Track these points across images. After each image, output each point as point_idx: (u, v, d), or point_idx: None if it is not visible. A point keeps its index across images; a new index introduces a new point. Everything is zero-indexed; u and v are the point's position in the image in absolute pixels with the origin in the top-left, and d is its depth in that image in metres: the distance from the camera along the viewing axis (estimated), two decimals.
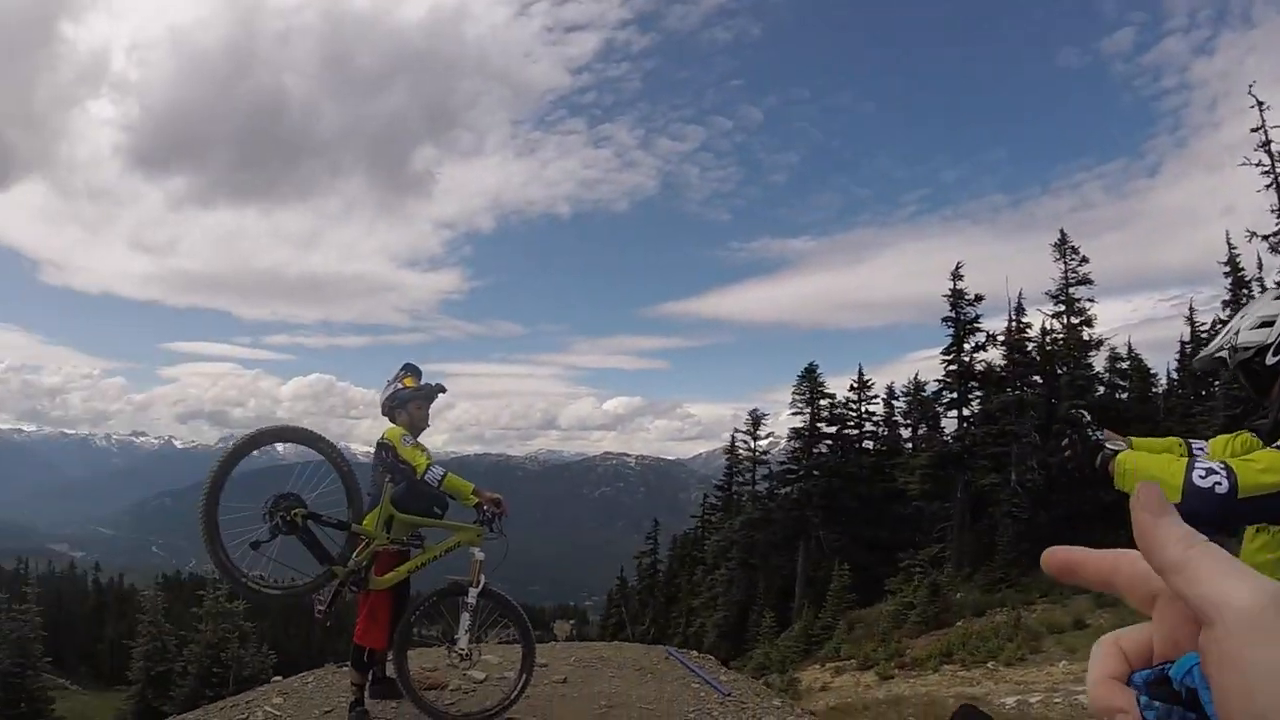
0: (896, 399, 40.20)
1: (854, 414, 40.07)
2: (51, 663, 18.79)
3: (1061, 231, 32.34)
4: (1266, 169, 25.69)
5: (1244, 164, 25.98)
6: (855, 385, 40.36)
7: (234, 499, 5.07)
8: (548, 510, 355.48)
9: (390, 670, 5.96)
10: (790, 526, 37.24)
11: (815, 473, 38.27)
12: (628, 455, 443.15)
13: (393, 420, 5.91)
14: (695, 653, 9.34)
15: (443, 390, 6.22)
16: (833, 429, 39.97)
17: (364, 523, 5.42)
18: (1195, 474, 2.20)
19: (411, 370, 6.18)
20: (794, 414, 39.82)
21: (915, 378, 37.70)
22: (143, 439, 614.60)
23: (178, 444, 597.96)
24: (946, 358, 33.25)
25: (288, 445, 5.70)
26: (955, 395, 33.33)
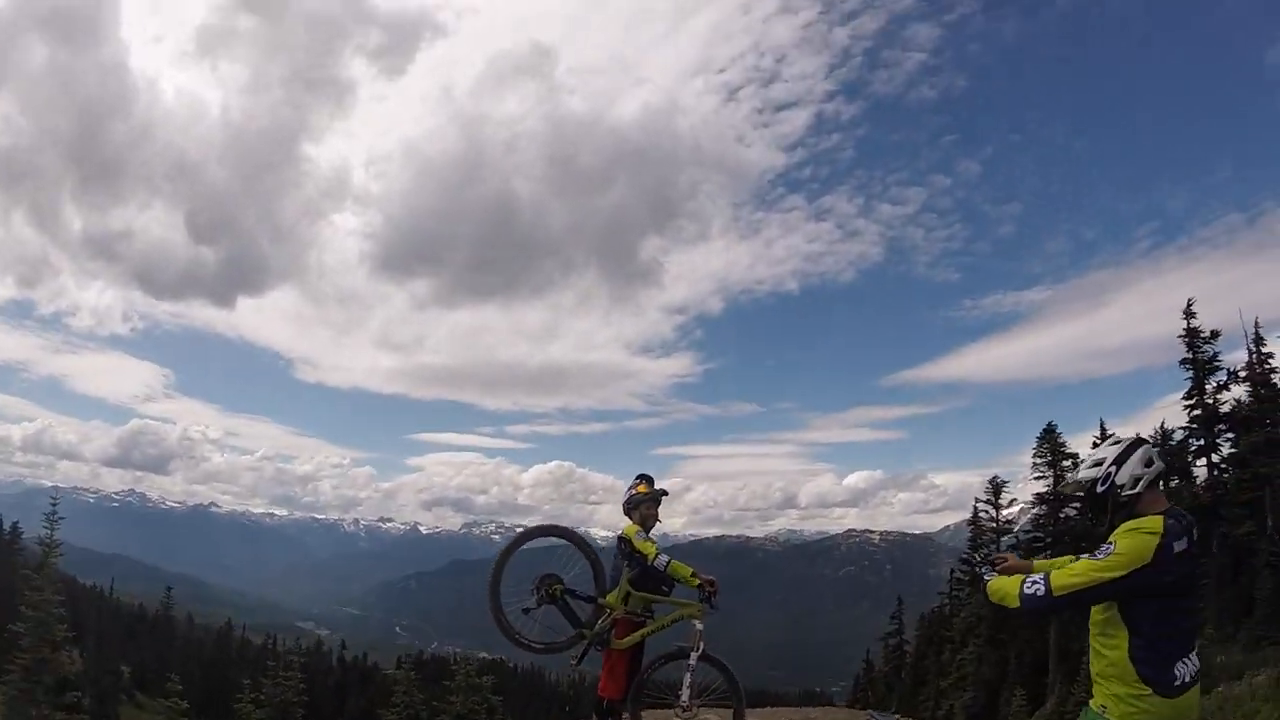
0: None
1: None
2: None
3: None
4: None
5: None
6: (1097, 441, 38.02)
7: (509, 578, 7.13)
8: (789, 592, 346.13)
9: None
10: None
11: (1065, 539, 36.27)
12: (871, 531, 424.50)
13: (629, 518, 7.58)
14: (899, 715, 10.13)
15: (665, 494, 7.81)
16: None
17: (608, 598, 7.28)
18: (1024, 586, 3.62)
19: (645, 479, 7.87)
20: (1036, 478, 38.10)
21: (1161, 426, 35.11)
22: (389, 524, 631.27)
23: (423, 529, 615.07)
24: (1188, 402, 30.90)
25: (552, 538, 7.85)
26: (1202, 441, 30.78)
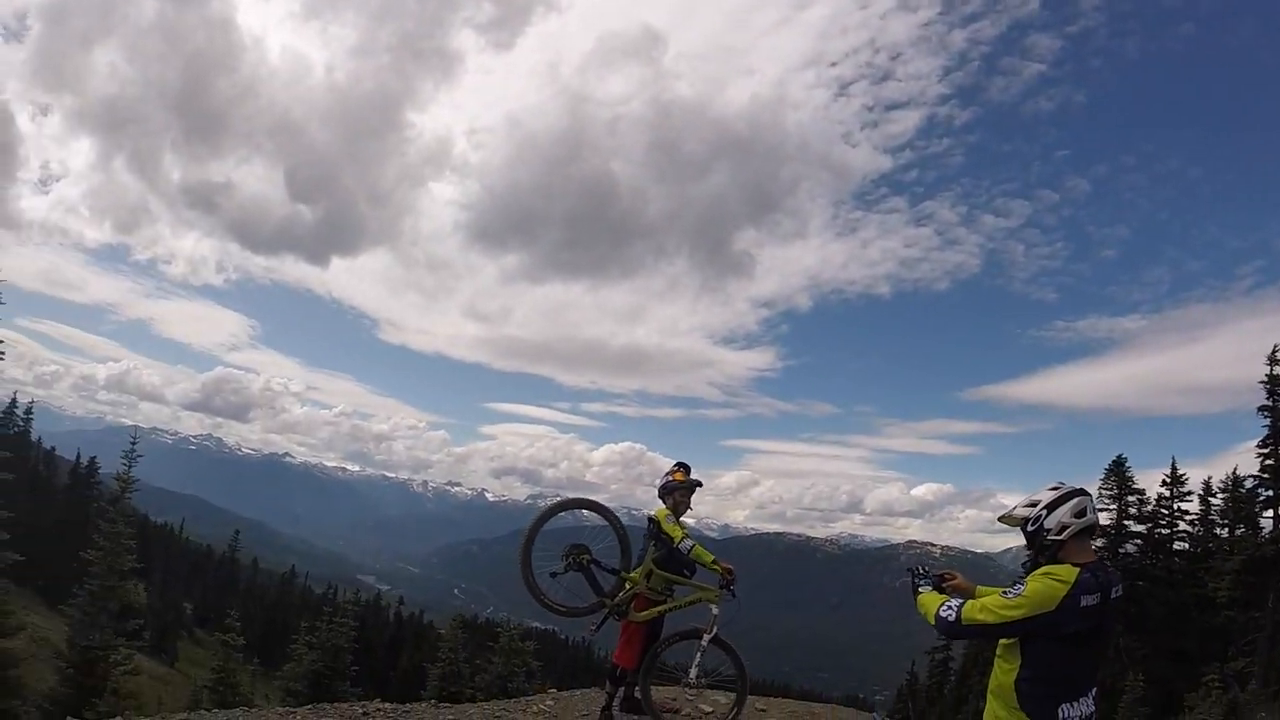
0: (1214, 496, 36.59)
1: (1166, 512, 36.99)
2: (349, 683, 22.01)
3: None
4: None
5: None
6: (1167, 480, 37.25)
7: (543, 543, 7.85)
8: (845, 596, 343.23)
9: (638, 692, 8.19)
10: None
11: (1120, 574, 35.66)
12: (933, 545, 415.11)
13: (663, 502, 8.19)
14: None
15: (699, 484, 8.35)
16: (1142, 528, 37.06)
17: (632, 573, 7.93)
18: (941, 608, 3.96)
19: (682, 467, 8.45)
20: (1100, 510, 37.47)
21: (1233, 472, 34.19)
22: (457, 489, 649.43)
23: (489, 496, 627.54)
24: (1263, 450, 30.09)
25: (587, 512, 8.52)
26: (1271, 492, 29.99)
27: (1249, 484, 31.67)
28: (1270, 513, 30.19)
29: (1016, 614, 3.66)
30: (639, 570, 7.92)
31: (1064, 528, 3.84)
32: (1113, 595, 3.77)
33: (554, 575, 7.69)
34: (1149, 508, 36.46)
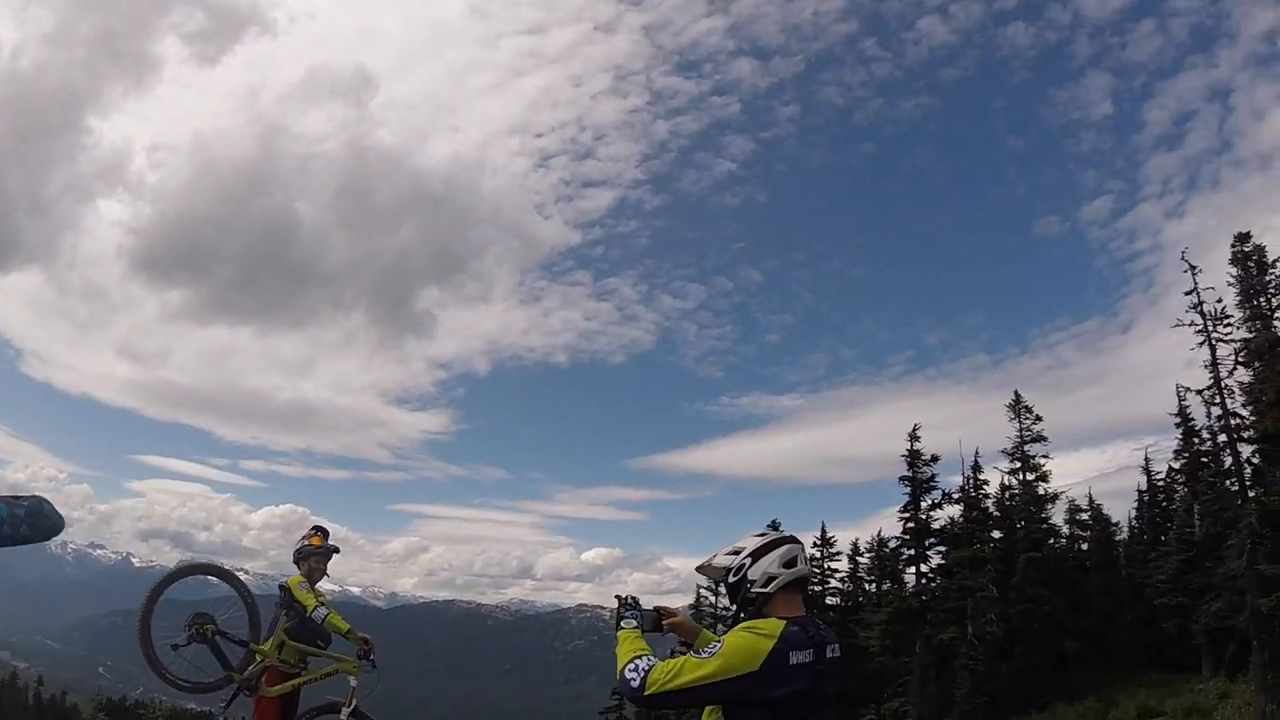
0: (861, 555, 41.10)
1: (818, 571, 40.70)
2: None
3: (1015, 393, 34.54)
4: (1199, 328, 27.76)
5: (1178, 325, 28.25)
6: (819, 542, 41.20)
7: (168, 613, 6.97)
8: (518, 662, 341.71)
9: None
10: None
11: None
12: (603, 607, 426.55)
13: (297, 568, 7.58)
14: None
15: (337, 551, 7.90)
16: None
17: (262, 644, 7.21)
18: (628, 667, 3.12)
19: (320, 531, 7.93)
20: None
21: (878, 534, 38.77)
22: (100, 552, 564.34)
23: (135, 561, 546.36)
24: (904, 515, 34.41)
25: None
26: (913, 551, 34.30)
27: (893, 544, 36.21)
28: (912, 569, 34.52)
29: (710, 677, 2.96)
30: (270, 641, 7.27)
31: (770, 579, 3.26)
32: (828, 654, 3.15)
33: (175, 648, 6.95)
34: None
